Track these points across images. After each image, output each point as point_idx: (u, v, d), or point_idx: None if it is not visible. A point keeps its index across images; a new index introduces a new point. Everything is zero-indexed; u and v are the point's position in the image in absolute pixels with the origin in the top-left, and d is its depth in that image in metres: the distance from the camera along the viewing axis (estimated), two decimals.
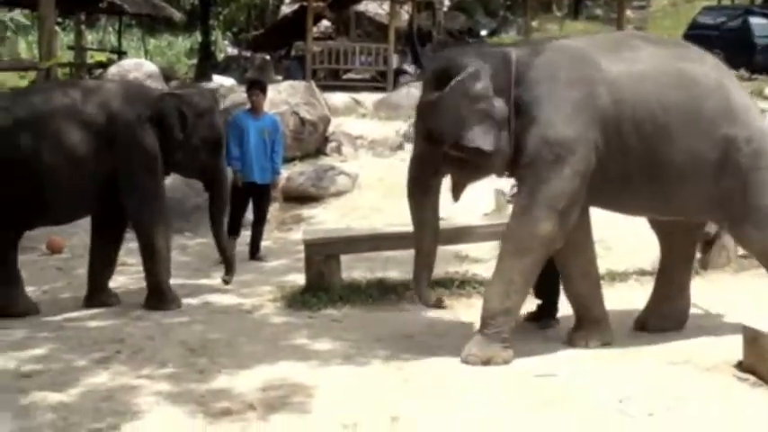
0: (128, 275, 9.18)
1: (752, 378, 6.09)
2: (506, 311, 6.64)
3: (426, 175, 6.90)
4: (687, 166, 6.66)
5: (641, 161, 6.62)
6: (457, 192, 7.21)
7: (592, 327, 7.00)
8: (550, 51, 6.84)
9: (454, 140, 6.55)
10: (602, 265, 8.82)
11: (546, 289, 7.46)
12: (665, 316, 7.37)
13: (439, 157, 6.72)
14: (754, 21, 23.53)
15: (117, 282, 8.68)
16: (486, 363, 6.50)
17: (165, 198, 8.31)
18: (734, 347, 6.46)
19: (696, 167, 6.68)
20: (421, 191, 6.99)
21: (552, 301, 7.58)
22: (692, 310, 7.55)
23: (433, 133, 6.68)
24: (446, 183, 7.13)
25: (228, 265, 8.88)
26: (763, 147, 6.83)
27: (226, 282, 8.85)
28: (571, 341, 6.98)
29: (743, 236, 7.21)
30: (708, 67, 6.92)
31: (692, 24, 26.24)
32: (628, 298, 8.07)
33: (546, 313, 7.60)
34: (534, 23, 29.26)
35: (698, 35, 21.00)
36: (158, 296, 8.19)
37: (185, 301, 8.44)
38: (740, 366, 6.26)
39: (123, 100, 8.11)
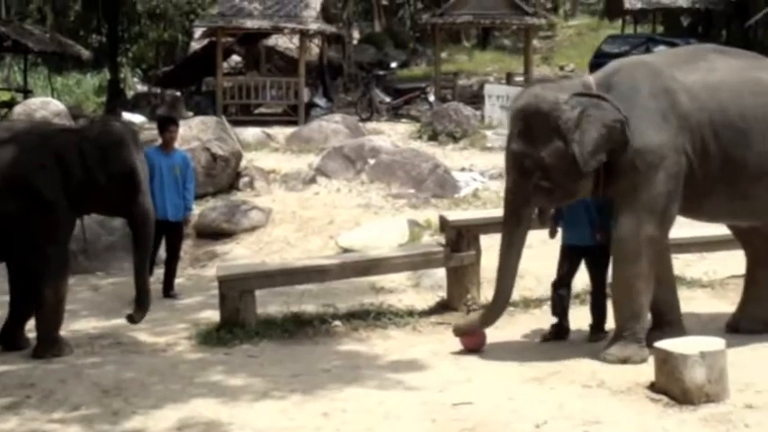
0: None
1: (665, 398, 6.20)
2: (635, 315, 7.10)
3: (518, 206, 7.21)
4: (763, 168, 7.08)
5: (720, 165, 7.04)
6: (543, 218, 7.53)
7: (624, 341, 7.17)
8: (627, 68, 7.32)
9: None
10: (515, 294, 8.96)
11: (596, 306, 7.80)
12: (755, 319, 7.71)
13: (529, 188, 7.05)
14: (657, 49, 24.12)
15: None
16: (625, 362, 6.96)
17: (62, 245, 7.91)
18: (646, 369, 6.61)
19: None
20: (515, 220, 7.27)
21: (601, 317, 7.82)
22: None
23: (530, 165, 7.00)
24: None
25: (142, 303, 8.32)
26: None
27: (132, 320, 8.31)
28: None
29: None
30: None
31: (597, 53, 26.84)
32: (543, 324, 8.16)
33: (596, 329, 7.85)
34: (444, 54, 29.60)
35: (603, 63, 21.43)
36: (44, 345, 7.88)
37: (99, 341, 8.31)
38: (653, 387, 6.38)
39: (23, 142, 7.84)
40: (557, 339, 7.81)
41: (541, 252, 8.56)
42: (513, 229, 7.29)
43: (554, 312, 7.90)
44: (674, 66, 7.22)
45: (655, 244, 7.06)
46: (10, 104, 23.48)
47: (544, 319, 8.34)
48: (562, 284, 7.85)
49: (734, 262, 8.99)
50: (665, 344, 6.36)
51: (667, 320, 7.40)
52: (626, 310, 7.11)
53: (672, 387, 6.20)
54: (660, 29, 31.80)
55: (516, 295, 8.78)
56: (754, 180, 7.13)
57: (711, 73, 7.18)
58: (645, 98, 7.00)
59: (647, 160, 6.92)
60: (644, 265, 7.03)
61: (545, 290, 9.01)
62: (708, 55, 7.53)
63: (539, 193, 7.10)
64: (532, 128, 6.99)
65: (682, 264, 9.82)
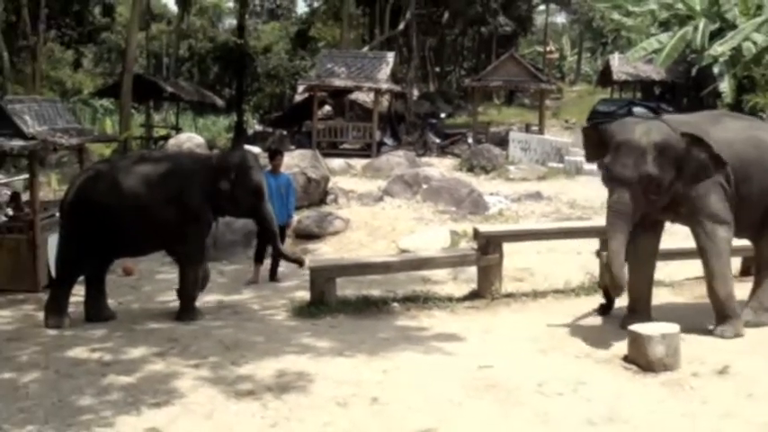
0: None
1: (634, 367, 6.23)
2: (730, 295, 7.06)
3: (635, 211, 6.91)
4: (758, 198, 7.20)
5: (735, 197, 7.10)
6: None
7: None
8: (674, 124, 7.17)
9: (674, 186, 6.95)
10: (527, 287, 8.90)
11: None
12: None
13: (644, 200, 6.91)
14: (636, 110, 24.06)
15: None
16: (737, 335, 6.94)
17: (203, 240, 8.16)
18: (622, 345, 6.58)
19: (763, 199, 7.24)
20: (629, 222, 6.91)
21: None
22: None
23: (654, 183, 6.87)
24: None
25: (291, 260, 9.11)
26: None
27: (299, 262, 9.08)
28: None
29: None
30: None
31: (592, 110, 26.60)
32: (547, 310, 8.12)
33: None
34: (480, 108, 29.53)
35: (596, 118, 21.35)
36: (184, 311, 8.06)
37: (223, 310, 8.45)
38: (626, 359, 6.39)
39: (178, 165, 8.13)
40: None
41: (548, 257, 8.52)
42: (627, 227, 6.88)
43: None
44: (705, 125, 7.24)
45: (730, 242, 7.11)
46: (166, 138, 23.92)
47: (548, 305, 8.33)
48: None
49: (689, 268, 8.84)
50: (636, 327, 6.42)
51: (639, 309, 7.28)
52: (724, 292, 7.02)
53: (639, 359, 6.24)
54: (639, 95, 31.46)
55: (528, 288, 8.81)
56: (749, 205, 7.18)
57: (726, 131, 7.23)
58: None
59: (705, 186, 6.97)
60: (726, 258, 7.07)
61: (549, 285, 9.00)
62: (722, 118, 7.74)
63: (647, 204, 6.94)
64: (664, 157, 6.85)
65: None
